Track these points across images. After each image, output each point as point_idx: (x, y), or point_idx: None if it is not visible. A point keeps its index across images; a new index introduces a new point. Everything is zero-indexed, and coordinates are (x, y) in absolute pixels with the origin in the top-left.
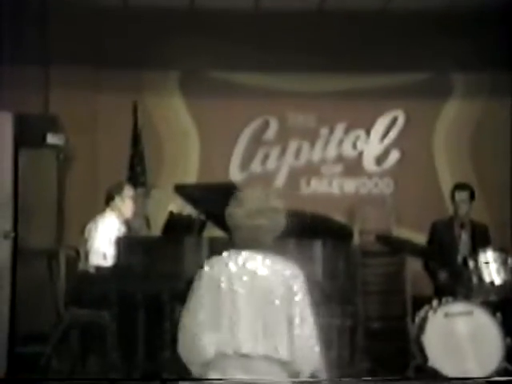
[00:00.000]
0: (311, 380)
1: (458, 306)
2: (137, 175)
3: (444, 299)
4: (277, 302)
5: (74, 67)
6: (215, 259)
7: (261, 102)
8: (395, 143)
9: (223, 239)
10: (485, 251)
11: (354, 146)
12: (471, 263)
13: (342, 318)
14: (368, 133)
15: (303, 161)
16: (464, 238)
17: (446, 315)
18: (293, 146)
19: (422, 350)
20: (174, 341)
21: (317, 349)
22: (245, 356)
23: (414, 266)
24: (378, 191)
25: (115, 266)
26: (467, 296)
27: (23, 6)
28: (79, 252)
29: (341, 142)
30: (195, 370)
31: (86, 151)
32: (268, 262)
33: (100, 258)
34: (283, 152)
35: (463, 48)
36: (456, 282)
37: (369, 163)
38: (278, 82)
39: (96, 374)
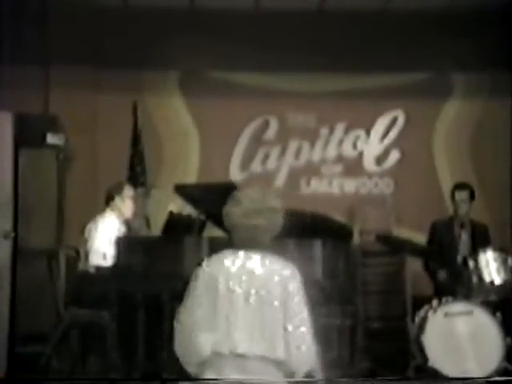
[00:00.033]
0: (307, 380)
1: (457, 306)
2: (137, 175)
3: (444, 299)
4: (274, 301)
5: (74, 67)
6: (213, 258)
7: (261, 101)
8: (395, 143)
9: (223, 239)
10: (485, 251)
11: (354, 145)
12: (471, 263)
13: (342, 318)
14: (368, 133)
15: (303, 161)
16: (464, 237)
17: (446, 315)
18: (293, 145)
19: (421, 349)
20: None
21: (313, 349)
22: (240, 356)
23: (413, 265)
24: (378, 191)
25: (115, 266)
26: (467, 296)
27: (23, 5)
28: (79, 252)
29: (341, 142)
30: (191, 369)
31: (86, 151)
32: (266, 261)
33: (100, 258)
34: (283, 152)
35: (463, 48)
36: (456, 282)
37: (369, 163)
38: (278, 81)
39: (96, 374)
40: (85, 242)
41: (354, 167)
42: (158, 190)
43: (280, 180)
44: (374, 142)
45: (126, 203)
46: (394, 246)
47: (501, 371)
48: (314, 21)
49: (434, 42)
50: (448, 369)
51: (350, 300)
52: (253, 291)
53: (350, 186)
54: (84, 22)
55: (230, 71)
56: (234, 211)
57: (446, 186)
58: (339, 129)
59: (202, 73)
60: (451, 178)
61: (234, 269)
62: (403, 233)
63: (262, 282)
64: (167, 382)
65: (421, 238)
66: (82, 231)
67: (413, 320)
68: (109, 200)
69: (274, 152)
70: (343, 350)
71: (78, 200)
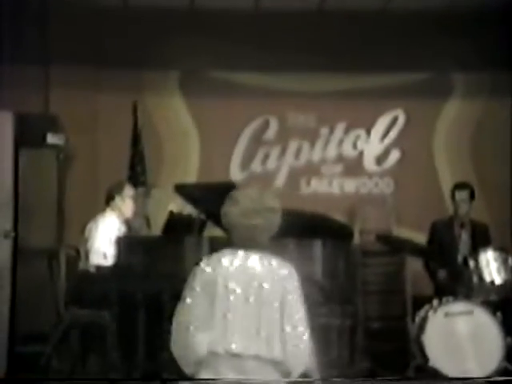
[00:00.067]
0: (305, 380)
1: (458, 306)
2: (137, 175)
3: (444, 299)
4: (271, 301)
5: (74, 67)
6: (211, 258)
7: (261, 101)
8: (395, 143)
9: (223, 239)
10: (485, 251)
11: (355, 145)
12: (471, 263)
13: (342, 318)
14: (368, 132)
15: (303, 161)
16: (464, 237)
17: (447, 315)
18: (293, 145)
19: (422, 349)
20: None
21: (309, 349)
22: (236, 356)
23: (414, 265)
24: (378, 191)
25: (115, 266)
26: (467, 295)
27: (23, 5)
28: (79, 251)
29: (341, 142)
30: (187, 369)
31: (86, 151)
32: (264, 261)
33: (100, 258)
34: (283, 152)
35: (463, 48)
36: (456, 282)
37: (369, 163)
38: (278, 81)
39: (96, 374)
40: (85, 241)
41: (354, 167)
42: (158, 189)
43: (280, 180)
44: (374, 141)
45: (126, 203)
46: (394, 246)
47: (501, 371)
48: (314, 21)
49: (434, 41)
50: (448, 369)
51: (349, 300)
52: (251, 291)
53: (350, 185)
54: (84, 22)
55: (230, 71)
56: (231, 211)
57: (446, 185)
58: (339, 129)
59: (202, 73)
60: (451, 177)
61: (232, 268)
62: (403, 233)
63: (259, 282)
64: (167, 382)
65: (421, 238)
66: (83, 231)
67: (413, 320)
68: (109, 200)
69: (274, 152)
70: (343, 349)
71: (78, 200)
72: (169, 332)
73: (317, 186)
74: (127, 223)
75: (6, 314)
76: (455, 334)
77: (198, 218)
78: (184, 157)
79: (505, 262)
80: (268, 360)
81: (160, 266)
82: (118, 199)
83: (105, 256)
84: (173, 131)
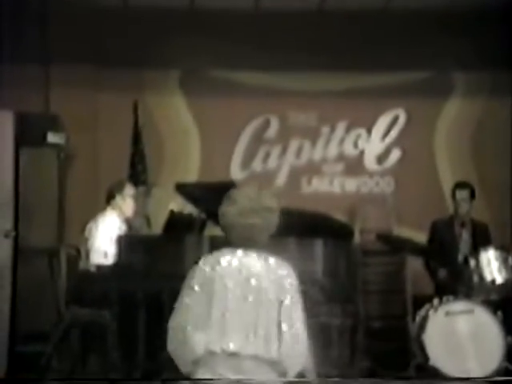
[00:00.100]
0: (302, 380)
1: (458, 305)
2: (138, 174)
3: (445, 298)
4: (269, 301)
5: (75, 66)
6: (210, 257)
7: (262, 100)
8: (396, 142)
9: (224, 238)
10: (486, 250)
11: (355, 144)
12: (472, 262)
13: (343, 317)
14: (369, 131)
15: (304, 160)
16: (465, 236)
17: (447, 314)
18: (294, 144)
19: (422, 348)
20: None
21: (306, 348)
22: (233, 355)
23: (414, 264)
24: (379, 190)
25: (116, 265)
26: (468, 295)
27: (24, 4)
28: (80, 251)
29: (342, 141)
30: (184, 368)
31: (87, 150)
32: (262, 260)
33: (101, 257)
34: (284, 151)
35: (464, 47)
36: (457, 281)
37: (370, 162)
38: (279, 80)
39: (96, 373)
40: (86, 240)
41: (354, 166)
42: (158, 188)
43: (281, 179)
44: (375, 140)
45: (126, 202)
46: (394, 245)
47: (502, 370)
48: (314, 20)
49: (435, 41)
50: (449, 368)
51: (350, 299)
52: (249, 290)
53: (351, 184)
54: (84, 22)
55: (231, 70)
56: (229, 211)
57: (447, 184)
58: (340, 128)
59: (203, 72)
60: (452, 176)
61: (230, 268)
62: (404, 232)
63: (258, 281)
64: (167, 382)
65: (421, 237)
66: (83, 230)
67: (413, 319)
68: (110, 198)
69: (275, 151)
70: (344, 349)
71: (78, 199)
72: None
73: (318, 185)
74: (128, 222)
75: (7, 313)
76: (456, 333)
77: (198, 217)
78: (185, 156)
79: (505, 261)
80: (265, 360)
81: (160, 265)
82: (118, 198)
83: (105, 255)
84: (173, 130)
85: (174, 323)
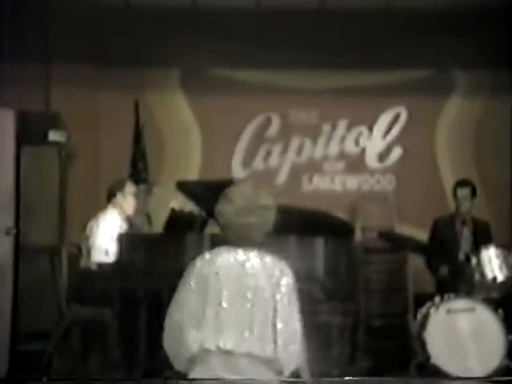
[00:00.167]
0: (299, 380)
1: (460, 303)
2: (139, 172)
3: (446, 296)
4: (265, 299)
5: (76, 65)
6: (206, 255)
7: (263, 99)
8: (397, 140)
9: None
10: (487, 248)
11: (357, 142)
12: (473, 260)
13: (344, 316)
14: (370, 129)
15: (305, 157)
16: (466, 234)
17: (448, 312)
18: (295, 142)
19: (423, 346)
20: None
21: (300, 347)
22: (228, 353)
23: (415, 262)
24: (380, 188)
25: (117, 263)
26: (469, 293)
27: (24, 3)
28: (81, 249)
29: (343, 139)
30: (179, 365)
31: (88, 148)
32: (258, 258)
33: (102, 255)
34: (285, 149)
35: (464, 46)
36: (458, 279)
37: (371, 160)
38: (280, 79)
39: (98, 372)
40: (87, 238)
41: (356, 164)
42: (159, 187)
43: (282, 177)
44: (377, 138)
45: (127, 200)
46: (395, 243)
47: (503, 369)
48: (315, 19)
49: (436, 39)
50: (450, 366)
51: (351, 297)
52: (244, 288)
53: (352, 182)
54: (85, 21)
55: (232, 69)
56: (226, 209)
57: (448, 183)
58: (341, 125)
59: (204, 70)
60: (453, 175)
61: (226, 266)
62: (405, 230)
63: (254, 279)
64: (168, 381)
65: (423, 235)
66: (84, 228)
67: (415, 317)
68: (110, 197)
69: (276, 149)
70: (344, 347)
71: (79, 197)
72: None
73: (319, 182)
74: (129, 220)
75: (8, 312)
76: (457, 331)
77: (199, 216)
78: (186, 154)
79: (506, 259)
80: (260, 358)
81: (161, 264)
82: (119, 196)
83: (106, 253)
84: (174, 129)
85: (169, 321)
